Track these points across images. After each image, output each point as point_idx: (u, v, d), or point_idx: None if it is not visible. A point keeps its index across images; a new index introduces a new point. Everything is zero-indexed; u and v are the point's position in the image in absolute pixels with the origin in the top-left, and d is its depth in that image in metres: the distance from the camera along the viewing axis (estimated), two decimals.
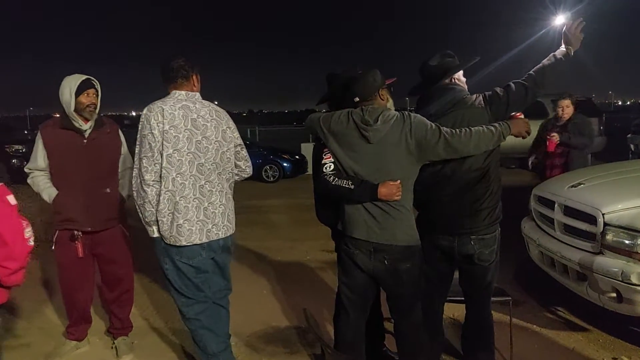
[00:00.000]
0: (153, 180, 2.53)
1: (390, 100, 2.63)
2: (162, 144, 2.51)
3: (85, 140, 3.11)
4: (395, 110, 2.56)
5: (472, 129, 2.38)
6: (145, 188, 2.53)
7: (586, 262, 3.21)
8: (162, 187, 2.53)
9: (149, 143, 2.52)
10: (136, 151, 2.60)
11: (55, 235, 3.20)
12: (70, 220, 3.13)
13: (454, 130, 2.37)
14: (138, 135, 2.57)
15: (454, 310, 3.69)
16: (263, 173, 12.64)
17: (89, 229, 3.13)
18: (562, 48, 2.58)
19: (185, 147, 2.55)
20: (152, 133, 2.51)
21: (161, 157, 2.51)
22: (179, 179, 2.55)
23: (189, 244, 2.58)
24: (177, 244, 2.58)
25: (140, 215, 2.61)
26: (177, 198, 2.55)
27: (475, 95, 2.60)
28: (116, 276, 3.35)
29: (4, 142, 13.18)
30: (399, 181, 2.34)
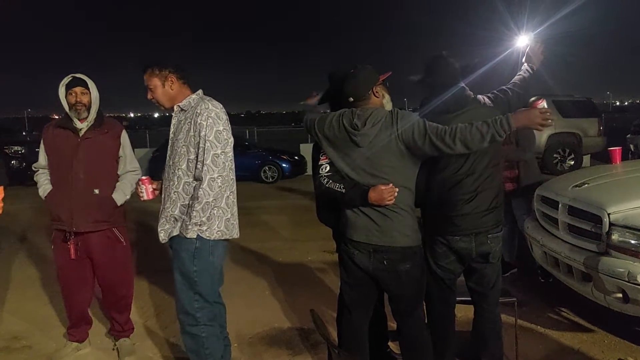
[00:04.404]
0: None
1: (387, 96, 2.59)
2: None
3: (79, 139, 3.09)
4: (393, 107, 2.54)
5: (461, 127, 2.25)
6: (213, 184, 2.51)
7: (591, 262, 3.18)
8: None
9: (225, 139, 2.56)
10: (205, 147, 2.51)
11: (53, 236, 3.20)
12: (57, 219, 3.12)
13: (440, 128, 2.27)
14: (205, 133, 2.50)
15: (457, 312, 3.66)
16: (262, 174, 12.64)
17: (74, 229, 3.07)
18: (526, 66, 2.78)
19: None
20: (227, 129, 2.57)
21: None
22: (230, 174, 2.62)
23: (226, 239, 2.65)
24: (224, 238, 2.63)
25: (195, 213, 2.50)
26: (227, 193, 2.62)
27: (480, 96, 2.65)
28: (109, 282, 3.29)
29: (3, 143, 13.15)
30: (390, 185, 2.28)
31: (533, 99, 2.43)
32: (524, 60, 2.82)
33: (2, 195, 3.08)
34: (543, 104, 2.36)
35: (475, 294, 2.79)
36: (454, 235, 2.60)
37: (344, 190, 2.37)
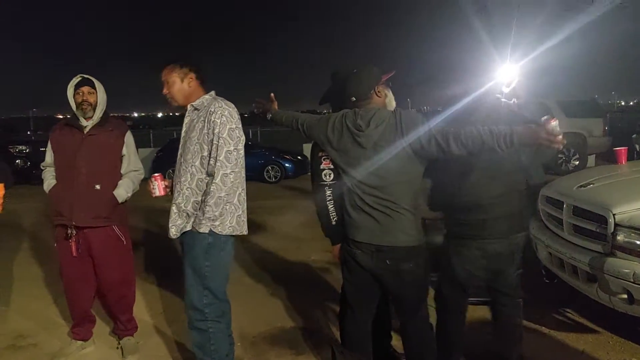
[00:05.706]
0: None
1: (390, 96, 2.58)
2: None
3: (83, 136, 3.15)
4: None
5: (466, 130, 2.18)
6: (225, 180, 2.57)
7: (596, 263, 3.16)
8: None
9: (237, 137, 2.62)
10: (219, 144, 2.57)
11: (55, 232, 3.23)
12: (58, 213, 3.16)
13: (445, 130, 2.23)
14: (218, 130, 2.56)
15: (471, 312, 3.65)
16: (265, 174, 12.65)
17: (73, 223, 3.10)
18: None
19: None
20: (239, 128, 2.64)
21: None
22: (242, 171, 2.68)
23: (235, 235, 2.70)
24: (235, 234, 2.68)
25: (209, 208, 2.54)
26: (240, 190, 2.68)
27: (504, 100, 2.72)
28: (110, 281, 3.30)
29: (8, 142, 13.19)
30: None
31: (545, 117, 2.22)
32: (504, 88, 2.90)
33: (3, 192, 3.11)
34: (554, 123, 2.11)
35: (499, 294, 2.77)
36: (484, 239, 2.59)
37: (334, 223, 2.58)
